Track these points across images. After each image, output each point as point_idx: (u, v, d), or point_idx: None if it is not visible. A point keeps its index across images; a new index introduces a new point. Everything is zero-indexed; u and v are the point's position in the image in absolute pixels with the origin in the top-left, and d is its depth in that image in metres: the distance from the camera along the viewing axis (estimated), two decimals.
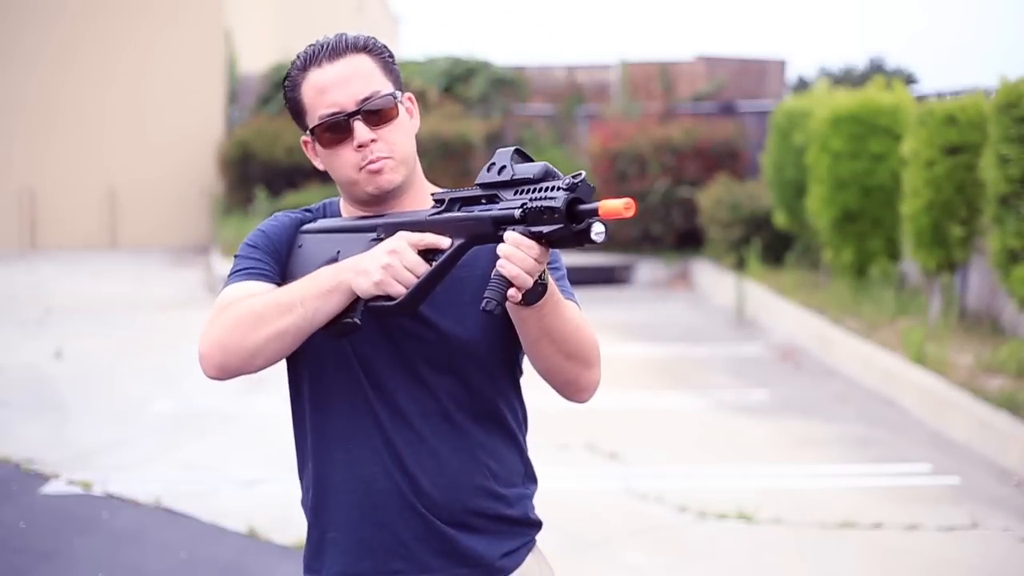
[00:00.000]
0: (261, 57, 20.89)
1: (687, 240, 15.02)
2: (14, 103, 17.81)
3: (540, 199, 1.92)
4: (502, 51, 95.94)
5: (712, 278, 13.59)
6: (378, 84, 2.15)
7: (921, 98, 11.00)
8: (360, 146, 2.13)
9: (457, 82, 17.71)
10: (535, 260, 1.91)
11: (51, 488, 5.96)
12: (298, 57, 2.18)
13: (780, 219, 12.48)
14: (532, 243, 1.91)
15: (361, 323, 2.06)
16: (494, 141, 17.02)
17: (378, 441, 2.17)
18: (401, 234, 2.04)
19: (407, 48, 60.88)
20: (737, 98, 17.15)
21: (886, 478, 6.33)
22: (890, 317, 9.68)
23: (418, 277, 2.00)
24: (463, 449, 2.19)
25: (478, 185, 2.04)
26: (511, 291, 1.92)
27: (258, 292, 2.12)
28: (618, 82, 17.45)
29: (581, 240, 1.91)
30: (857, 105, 10.72)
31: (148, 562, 5.08)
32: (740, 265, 13.10)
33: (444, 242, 2.02)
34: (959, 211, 8.93)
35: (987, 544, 5.35)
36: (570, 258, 15.02)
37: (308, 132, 2.18)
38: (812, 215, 11.25)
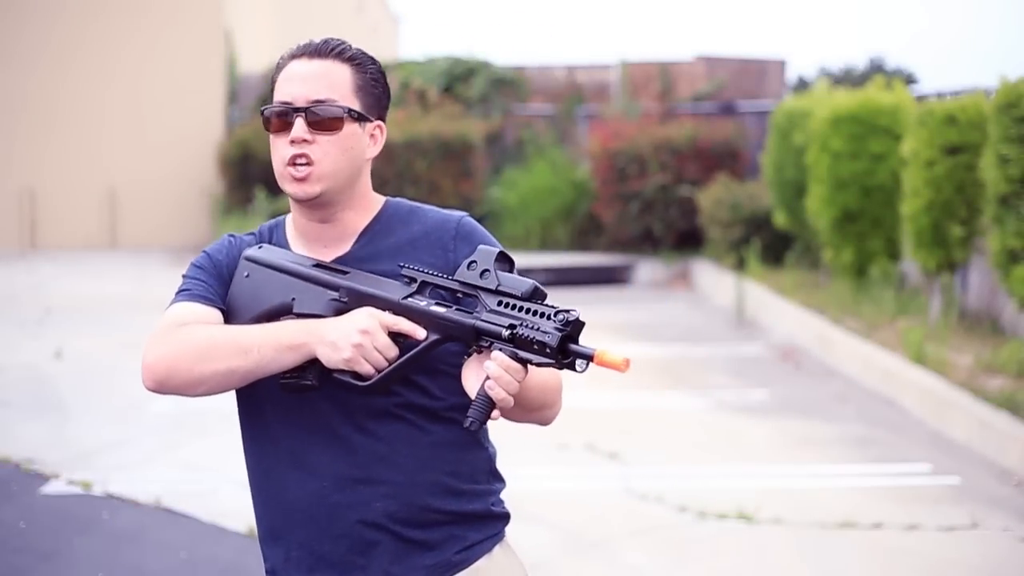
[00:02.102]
0: (261, 57, 20.88)
1: (687, 240, 15.02)
2: (14, 103, 17.81)
3: (532, 328, 1.92)
4: (502, 51, 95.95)
5: (712, 278, 13.59)
6: (339, 95, 2.18)
7: (921, 98, 11.00)
8: (292, 141, 2.16)
9: (457, 82, 17.71)
10: (519, 383, 1.98)
11: (51, 488, 5.96)
12: (290, 48, 2.25)
13: (780, 219, 12.48)
14: (520, 367, 1.96)
15: (319, 384, 2.09)
16: (494, 141, 17.03)
17: (330, 453, 2.17)
18: (373, 313, 2.05)
19: (407, 48, 60.89)
20: (737, 98, 17.15)
21: (886, 478, 6.33)
22: (890, 317, 9.68)
23: (389, 361, 2.02)
24: (421, 447, 2.18)
25: (457, 280, 2.05)
26: (493, 412, 1.98)
27: (203, 316, 2.16)
28: (618, 82, 17.45)
29: (562, 368, 1.95)
30: (857, 105, 10.72)
31: (148, 562, 5.08)
32: (740, 265, 13.10)
33: (419, 333, 2.04)
34: (959, 211, 8.93)
35: (987, 544, 5.35)
36: (570, 258, 15.03)
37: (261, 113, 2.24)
38: (812, 215, 11.25)
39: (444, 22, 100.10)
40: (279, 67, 2.23)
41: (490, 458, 2.28)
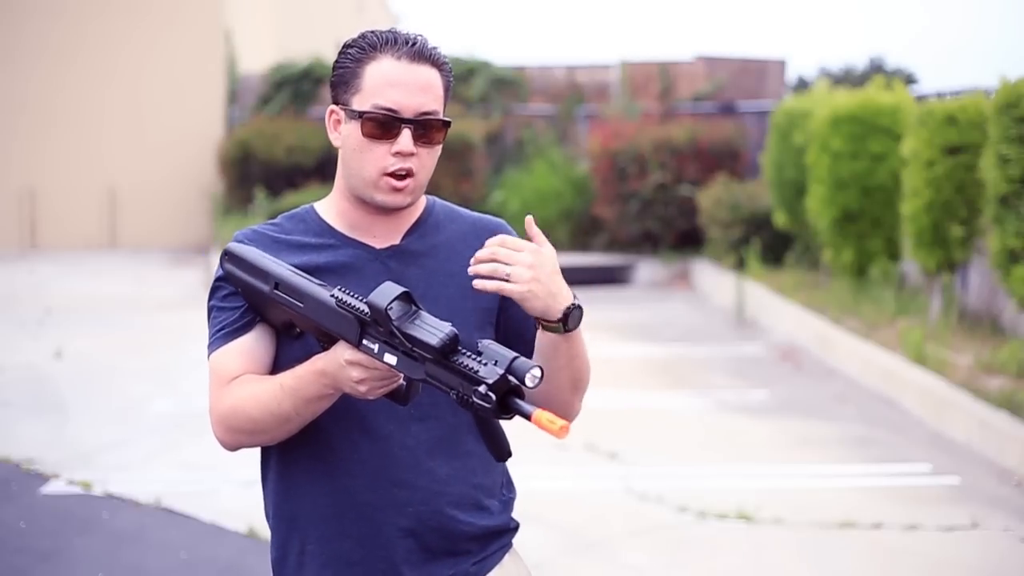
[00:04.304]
0: (261, 57, 20.88)
1: (687, 240, 15.01)
2: (14, 103, 17.80)
3: (472, 394, 1.86)
4: (502, 51, 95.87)
5: (712, 278, 13.59)
6: (439, 106, 2.16)
7: (921, 98, 11.00)
8: (398, 153, 2.12)
9: (457, 82, 17.70)
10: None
11: (51, 488, 5.96)
12: (373, 34, 2.15)
13: (780, 219, 12.48)
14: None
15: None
16: (494, 141, 17.03)
17: (366, 452, 2.14)
18: (351, 359, 1.97)
19: None
20: (737, 98, 17.14)
21: (886, 478, 6.34)
22: (890, 317, 9.68)
23: (392, 376, 1.97)
24: (454, 457, 2.17)
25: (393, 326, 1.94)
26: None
27: (242, 354, 2.14)
28: (618, 82, 17.45)
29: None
30: (857, 105, 10.72)
31: (148, 562, 5.08)
32: (740, 265, 13.09)
33: (394, 373, 1.98)
34: (959, 211, 8.93)
35: (987, 544, 5.35)
36: (570, 258, 15.03)
37: (348, 110, 2.14)
38: (812, 215, 11.25)
39: (444, 22, 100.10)
40: (360, 59, 2.12)
41: (506, 468, 2.29)
